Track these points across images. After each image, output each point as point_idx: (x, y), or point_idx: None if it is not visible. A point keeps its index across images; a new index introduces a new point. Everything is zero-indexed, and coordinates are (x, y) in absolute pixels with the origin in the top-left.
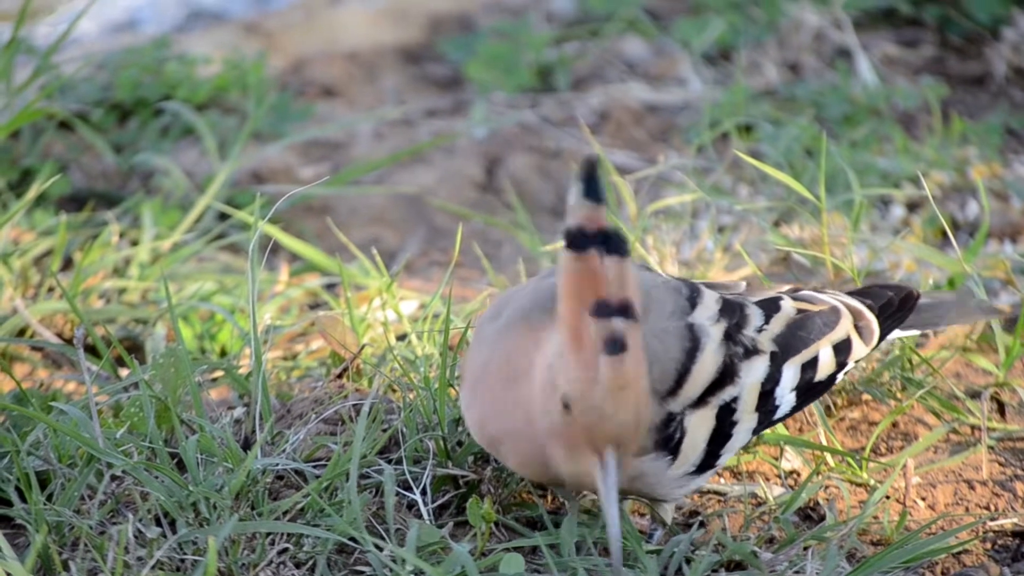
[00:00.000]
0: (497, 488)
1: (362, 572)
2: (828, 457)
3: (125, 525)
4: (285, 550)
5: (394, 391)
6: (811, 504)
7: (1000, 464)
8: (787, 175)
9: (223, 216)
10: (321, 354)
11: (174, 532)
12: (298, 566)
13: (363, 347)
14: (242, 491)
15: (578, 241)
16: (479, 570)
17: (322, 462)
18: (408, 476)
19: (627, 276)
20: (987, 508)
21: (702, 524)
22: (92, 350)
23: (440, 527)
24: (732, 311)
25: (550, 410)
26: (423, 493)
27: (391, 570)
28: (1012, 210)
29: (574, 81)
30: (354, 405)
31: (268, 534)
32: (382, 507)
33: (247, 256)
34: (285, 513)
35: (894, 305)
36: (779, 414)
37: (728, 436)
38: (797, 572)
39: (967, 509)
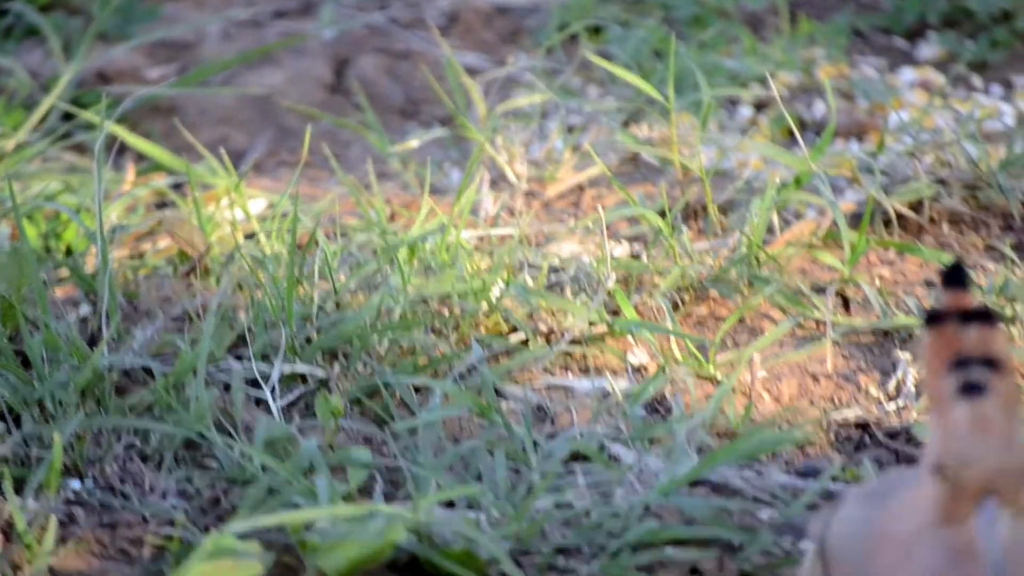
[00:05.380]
0: (345, 384)
1: (210, 467)
2: (675, 352)
3: None
4: (132, 445)
5: (242, 289)
6: (658, 398)
7: (844, 358)
8: (636, 76)
9: (69, 116)
10: (168, 253)
11: (19, 428)
12: (144, 460)
13: (210, 246)
14: (88, 387)
15: (935, 318)
16: (327, 464)
17: (170, 359)
18: (257, 373)
19: (992, 337)
20: (831, 401)
21: (551, 418)
22: None
23: (289, 423)
24: None
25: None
26: (272, 390)
27: (239, 465)
28: (858, 110)
29: None
30: (202, 303)
31: (114, 429)
32: (230, 404)
33: (93, 156)
34: (132, 409)
35: None
36: None
37: None
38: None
39: (812, 402)
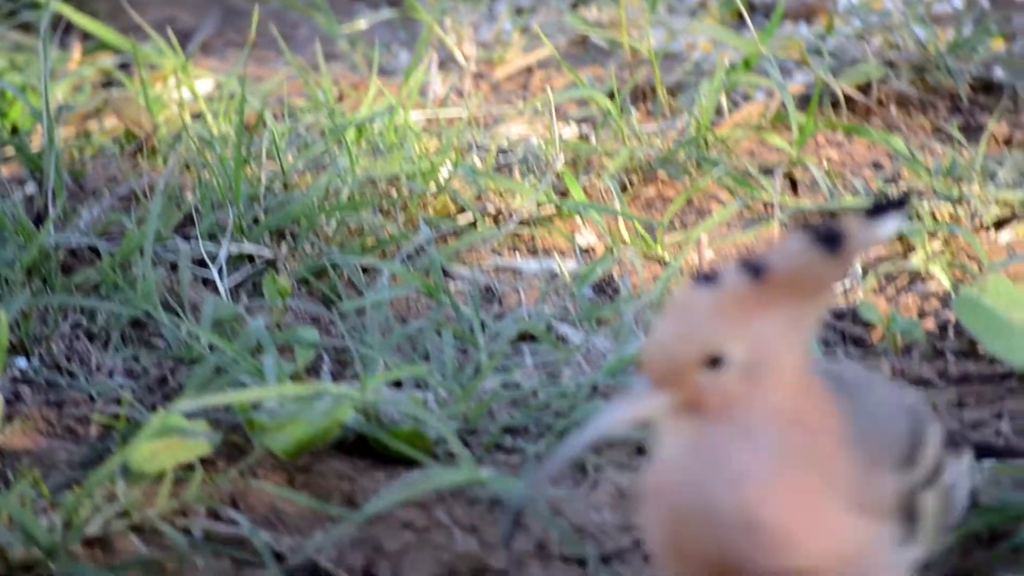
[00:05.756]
0: (293, 264)
1: (157, 346)
2: (624, 233)
3: None
4: (79, 324)
5: (189, 170)
6: (606, 279)
7: None
8: None
9: None
10: (115, 133)
11: None
12: (91, 339)
13: (157, 126)
14: (34, 266)
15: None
16: (275, 344)
17: (117, 238)
18: (204, 253)
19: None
20: None
21: (499, 299)
22: None
23: (236, 303)
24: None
25: None
26: (219, 270)
27: (186, 344)
28: None
29: None
30: (148, 183)
31: (61, 308)
32: (178, 284)
33: (39, 35)
34: (78, 288)
35: None
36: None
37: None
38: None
39: None
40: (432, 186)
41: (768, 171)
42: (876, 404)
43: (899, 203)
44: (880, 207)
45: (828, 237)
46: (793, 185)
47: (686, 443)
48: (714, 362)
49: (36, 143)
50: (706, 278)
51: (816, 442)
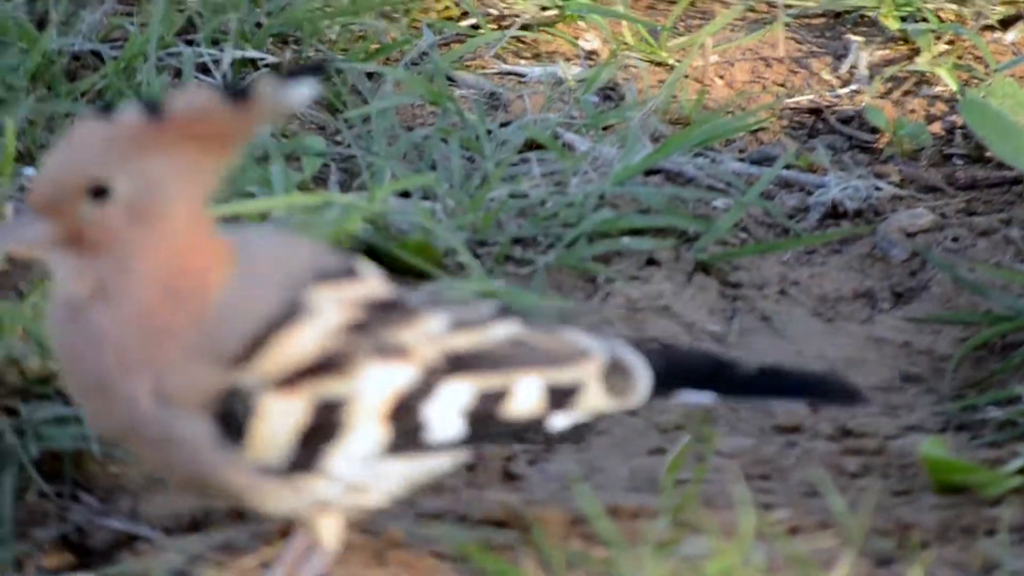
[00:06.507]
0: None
1: None
2: (627, 36)
3: None
4: None
5: None
6: (611, 85)
7: (796, 42)
8: None
9: None
10: None
11: None
12: None
13: None
14: (38, 72)
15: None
16: (281, 152)
17: (119, 43)
18: (207, 59)
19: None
20: (783, 86)
21: (504, 106)
22: None
23: None
24: (390, 308)
25: None
26: (223, 76)
27: None
28: None
29: None
30: None
31: (67, 115)
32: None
33: None
34: (83, 94)
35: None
36: (436, 436)
37: (330, 436)
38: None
39: (764, 87)
40: None
41: None
42: (255, 279)
43: (316, 69)
44: (296, 71)
45: (235, 92)
46: None
47: (69, 283)
48: (97, 193)
49: None
50: (104, 111)
51: (176, 307)
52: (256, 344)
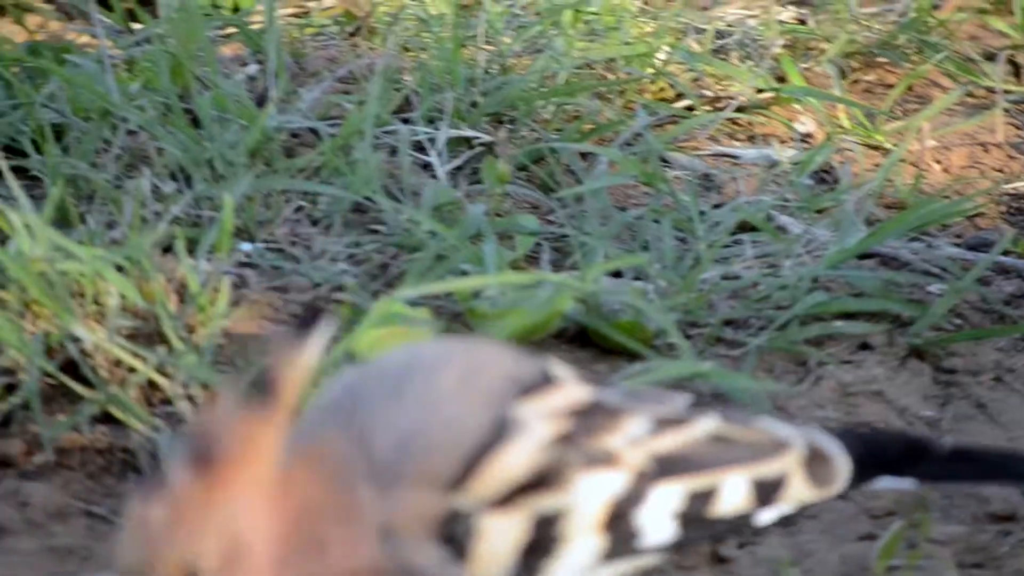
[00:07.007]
0: (511, 150)
1: (377, 230)
2: (843, 120)
3: (141, 179)
4: (300, 208)
5: (407, 50)
6: (825, 168)
7: (1015, 127)
8: None
9: None
10: (334, 12)
11: (191, 189)
12: (314, 224)
13: (375, 6)
14: (257, 148)
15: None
16: (494, 231)
17: (337, 121)
18: (422, 137)
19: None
20: (1001, 171)
21: (717, 187)
22: (104, 2)
23: (455, 189)
24: (593, 412)
25: None
26: (438, 155)
27: (406, 230)
28: None
29: None
30: (367, 64)
31: (283, 192)
32: (397, 167)
33: None
34: (300, 171)
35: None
36: (649, 540)
37: (549, 550)
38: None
39: (982, 172)
40: (649, 70)
41: (991, 56)
42: (462, 398)
43: (318, 313)
44: (305, 322)
45: (260, 388)
46: (1016, 71)
47: None
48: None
49: (257, 21)
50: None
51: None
52: (471, 466)
